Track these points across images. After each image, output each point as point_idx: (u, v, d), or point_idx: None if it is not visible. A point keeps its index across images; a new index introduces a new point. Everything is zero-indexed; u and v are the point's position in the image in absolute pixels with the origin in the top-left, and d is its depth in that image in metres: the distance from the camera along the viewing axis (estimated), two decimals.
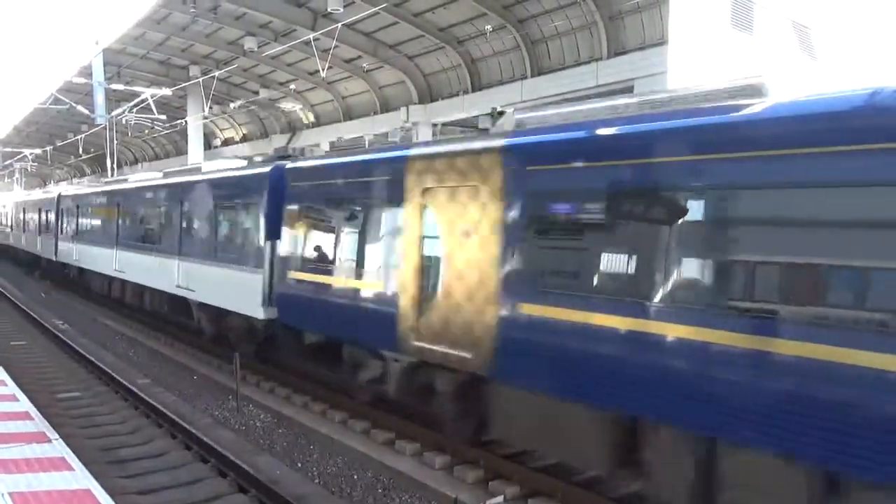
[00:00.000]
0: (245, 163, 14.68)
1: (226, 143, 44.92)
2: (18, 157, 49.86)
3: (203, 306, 13.72)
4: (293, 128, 38.11)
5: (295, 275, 10.52)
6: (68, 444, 7.18)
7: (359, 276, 9.23)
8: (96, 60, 25.78)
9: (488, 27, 23.59)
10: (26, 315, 19.76)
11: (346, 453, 8.80)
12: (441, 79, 28.11)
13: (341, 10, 22.71)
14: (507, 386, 7.17)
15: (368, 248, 9.19)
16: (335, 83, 32.12)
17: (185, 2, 25.84)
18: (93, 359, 13.53)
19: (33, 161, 51.16)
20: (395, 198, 8.58)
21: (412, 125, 28.67)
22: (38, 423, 7.80)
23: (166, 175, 17.68)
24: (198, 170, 15.42)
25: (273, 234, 11.12)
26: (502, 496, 7.25)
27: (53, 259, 25.94)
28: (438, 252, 7.94)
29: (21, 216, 33.94)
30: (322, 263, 9.99)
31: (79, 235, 22.91)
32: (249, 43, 28.90)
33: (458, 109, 27.24)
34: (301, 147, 13.93)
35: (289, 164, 11.38)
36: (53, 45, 68.04)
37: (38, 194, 35.20)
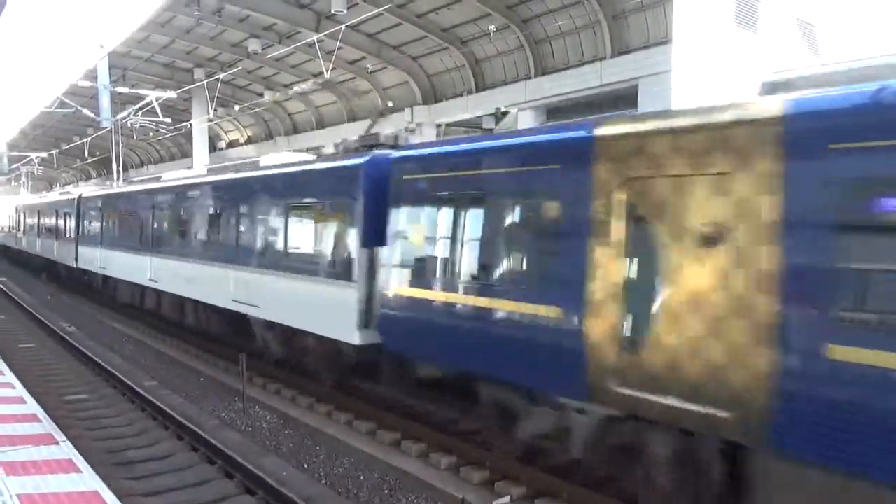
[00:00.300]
0: (313, 156, 12.62)
1: (230, 145, 45.05)
2: (25, 160, 50.10)
3: (269, 325, 11.63)
4: (297, 129, 38.21)
5: (410, 291, 8.37)
6: (76, 446, 7.22)
7: (515, 295, 7.01)
8: (101, 64, 25.83)
9: (492, 27, 23.57)
10: (34, 318, 19.86)
11: (353, 454, 8.81)
12: (445, 79, 28.11)
13: (345, 11, 22.74)
14: (798, 463, 4.98)
15: (529, 260, 7.12)
16: (339, 84, 32.17)
17: (189, 5, 25.94)
18: (100, 361, 13.58)
19: (39, 165, 51.34)
20: (575, 192, 6.43)
21: (416, 125, 28.70)
22: (46, 426, 7.83)
23: (212, 172, 15.89)
24: (255, 164, 13.35)
25: (372, 239, 9.05)
26: (508, 497, 7.24)
27: (73, 266, 24.12)
28: (656, 265, 5.77)
29: (35, 220, 32.16)
30: (457, 278, 7.81)
31: (104, 240, 20.83)
32: (253, 45, 29.00)
33: (463, 110, 27.25)
34: (393, 132, 11.43)
35: (396, 154, 9.17)
36: (59, 49, 68.40)
37: (53, 196, 33.30)
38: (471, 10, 23.27)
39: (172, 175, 18.05)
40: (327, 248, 10.19)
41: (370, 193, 9.16)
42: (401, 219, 8.69)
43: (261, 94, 35.26)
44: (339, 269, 9.63)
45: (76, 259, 23.70)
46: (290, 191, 11.27)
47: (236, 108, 34.75)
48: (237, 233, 12.65)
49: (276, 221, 11.41)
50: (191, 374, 13.52)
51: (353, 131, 33.29)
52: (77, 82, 28.49)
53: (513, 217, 7.40)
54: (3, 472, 6.16)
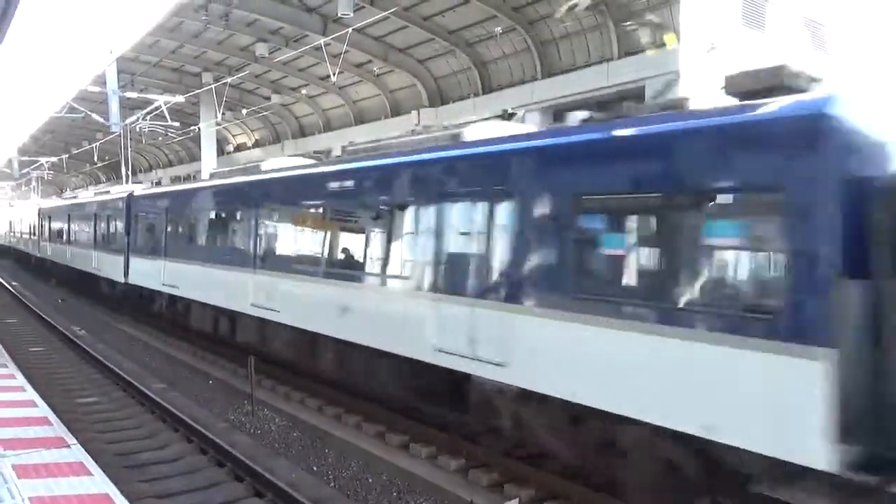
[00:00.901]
0: (524, 127, 8.93)
1: (238, 148, 45.29)
2: (35, 165, 50.47)
3: (525, 396, 7.11)
4: (304, 133, 38.32)
5: None
6: (87, 449, 7.26)
7: None
8: (110, 69, 25.98)
9: (498, 29, 23.58)
10: (44, 322, 19.99)
11: (362, 457, 8.81)
12: (451, 82, 28.15)
13: (351, 14, 22.80)
14: None
15: None
16: (346, 88, 32.26)
17: (197, 10, 26.08)
18: (110, 364, 13.66)
19: (49, 169, 51.74)
20: None
21: (423, 128, 28.74)
22: (57, 429, 7.88)
23: (353, 156, 10.81)
24: (457, 138, 8.83)
25: (868, 259, 4.80)
26: (517, 499, 7.23)
27: (122, 282, 19.61)
28: None
29: (64, 224, 27.92)
30: None
31: (171, 250, 16.26)
32: (261, 49, 29.13)
33: (469, 112, 27.25)
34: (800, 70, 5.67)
35: None
36: (68, 55, 68.91)
37: (87, 196, 28.92)
38: (477, 12, 23.29)
39: (277, 163, 13.25)
40: (710, 274, 5.77)
41: (850, 175, 4.89)
42: None
43: (268, 98, 35.41)
44: (761, 319, 5.15)
45: (126, 273, 19.23)
46: (580, 179, 6.82)
47: (244, 111, 34.90)
48: (435, 244, 8.21)
49: (548, 226, 6.93)
50: (200, 376, 13.57)
51: (360, 134, 33.41)
52: (86, 87, 28.70)
53: None
54: (14, 475, 6.21)
